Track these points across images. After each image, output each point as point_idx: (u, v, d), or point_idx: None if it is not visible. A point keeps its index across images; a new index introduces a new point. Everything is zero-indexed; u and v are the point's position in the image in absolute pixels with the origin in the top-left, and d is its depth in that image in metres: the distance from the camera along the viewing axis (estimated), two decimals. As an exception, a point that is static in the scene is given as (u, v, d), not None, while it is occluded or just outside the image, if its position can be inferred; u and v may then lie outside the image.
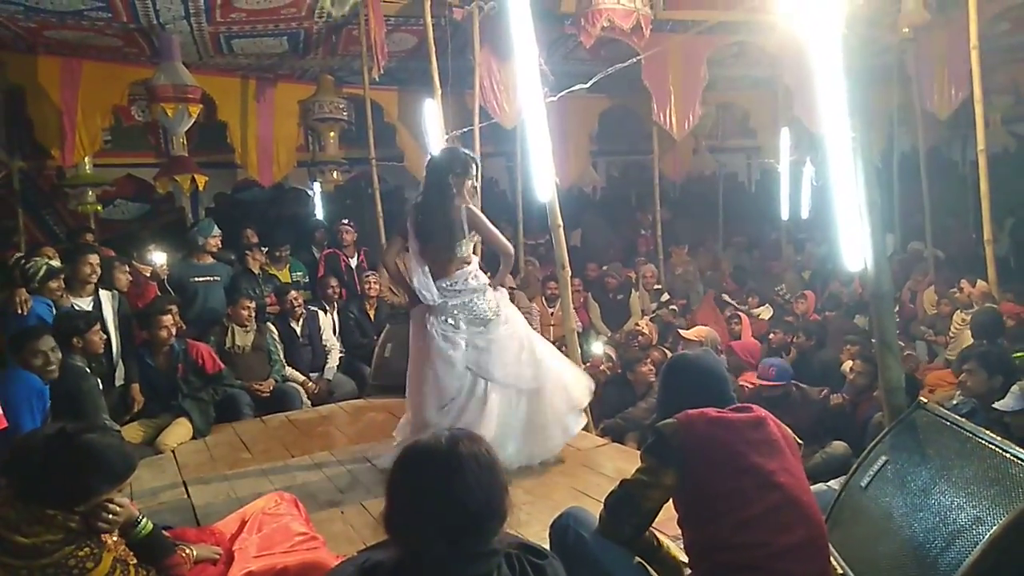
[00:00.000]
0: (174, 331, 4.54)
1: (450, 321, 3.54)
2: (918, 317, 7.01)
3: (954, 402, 3.61)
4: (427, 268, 3.57)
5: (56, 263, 4.54)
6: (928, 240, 7.66)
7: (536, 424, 3.62)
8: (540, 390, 3.61)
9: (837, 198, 2.76)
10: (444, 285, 3.56)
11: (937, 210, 7.87)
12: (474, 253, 3.82)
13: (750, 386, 4.88)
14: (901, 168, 8.63)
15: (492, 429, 3.40)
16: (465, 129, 6.88)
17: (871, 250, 2.63)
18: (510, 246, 3.78)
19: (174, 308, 4.68)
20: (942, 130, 8.96)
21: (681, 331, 5.75)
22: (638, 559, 2.05)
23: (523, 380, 3.59)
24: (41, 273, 4.36)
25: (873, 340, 2.95)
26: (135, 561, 2.02)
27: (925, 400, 2.53)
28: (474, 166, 3.64)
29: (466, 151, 3.75)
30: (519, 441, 3.59)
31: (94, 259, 4.63)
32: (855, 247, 2.72)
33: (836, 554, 2.28)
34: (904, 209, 8.72)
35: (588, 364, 5.40)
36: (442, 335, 3.52)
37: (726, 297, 7.75)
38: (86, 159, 6.84)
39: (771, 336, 5.95)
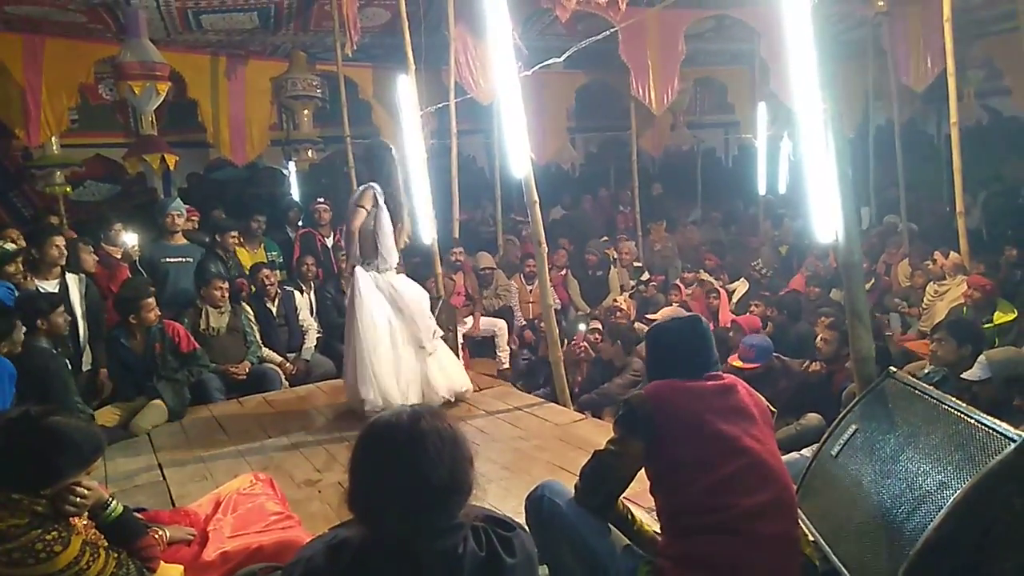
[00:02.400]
0: (159, 313, 4.47)
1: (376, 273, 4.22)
2: (892, 289, 7.10)
3: (925, 371, 3.65)
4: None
5: (12, 246, 4.44)
6: (903, 213, 7.74)
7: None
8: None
9: (810, 171, 2.76)
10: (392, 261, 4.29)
11: (912, 183, 7.95)
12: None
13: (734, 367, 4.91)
14: (876, 142, 8.70)
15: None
16: (440, 105, 6.82)
17: (842, 221, 2.64)
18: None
19: (154, 290, 4.61)
20: (917, 104, 9.04)
21: (649, 315, 5.74)
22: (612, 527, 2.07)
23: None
24: None
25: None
26: (106, 544, 2.00)
27: (894, 369, 2.56)
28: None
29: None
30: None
31: (60, 241, 4.54)
32: (828, 219, 2.73)
33: (807, 521, 2.32)
34: (879, 183, 8.80)
35: (572, 342, 5.41)
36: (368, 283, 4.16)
37: (703, 274, 7.79)
38: (53, 139, 6.68)
39: (750, 310, 5.99)
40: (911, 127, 9.50)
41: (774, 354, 4.61)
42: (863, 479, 2.28)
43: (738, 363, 4.46)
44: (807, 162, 2.79)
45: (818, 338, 4.45)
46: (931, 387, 2.39)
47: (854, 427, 2.48)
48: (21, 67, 6.23)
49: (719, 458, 1.89)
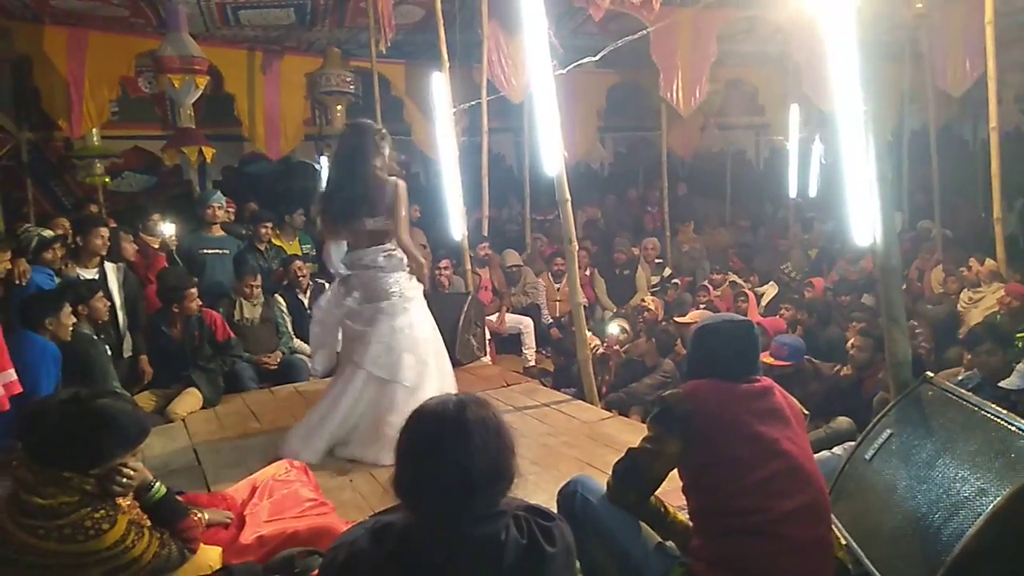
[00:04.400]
0: (200, 303, 4.57)
1: (345, 291, 3.56)
2: (925, 295, 7.00)
3: (960, 378, 3.62)
4: (342, 239, 3.57)
5: (49, 233, 4.55)
6: (937, 218, 7.62)
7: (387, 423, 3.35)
8: (415, 391, 3.37)
9: (847, 173, 2.75)
10: (355, 258, 3.52)
11: (946, 189, 7.82)
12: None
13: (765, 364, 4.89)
14: (911, 146, 8.56)
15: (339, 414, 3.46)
16: (472, 103, 6.85)
17: (881, 225, 2.62)
18: (407, 239, 3.53)
19: (196, 280, 4.71)
20: (954, 108, 8.88)
21: (676, 318, 5.71)
22: (643, 524, 2.08)
23: (395, 371, 3.43)
24: (34, 244, 4.39)
25: (880, 316, 2.96)
26: (149, 524, 2.05)
27: (931, 374, 2.54)
28: (388, 139, 3.54)
29: (377, 125, 3.62)
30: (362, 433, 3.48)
31: (105, 231, 4.65)
32: (864, 223, 2.71)
33: (839, 525, 2.31)
34: (913, 188, 8.66)
35: (604, 344, 5.40)
36: (334, 300, 3.59)
37: (731, 275, 7.74)
38: (93, 130, 6.83)
39: (780, 313, 5.95)
40: (946, 132, 9.34)
41: (806, 357, 4.58)
42: (898, 484, 2.27)
43: (769, 359, 4.44)
44: (844, 164, 2.77)
45: (850, 344, 4.41)
46: (968, 392, 2.37)
47: (889, 431, 2.47)
48: (65, 60, 6.38)
49: (757, 460, 1.89)
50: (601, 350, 5.39)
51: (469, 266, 5.92)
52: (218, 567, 2.20)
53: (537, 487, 2.98)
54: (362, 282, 3.53)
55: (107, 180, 7.22)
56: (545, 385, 5.30)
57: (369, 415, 3.47)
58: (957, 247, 7.17)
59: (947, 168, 7.86)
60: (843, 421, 4.21)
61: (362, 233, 3.47)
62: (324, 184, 3.59)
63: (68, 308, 3.76)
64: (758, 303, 6.91)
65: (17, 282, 4.03)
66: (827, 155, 9.05)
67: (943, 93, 7.92)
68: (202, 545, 2.20)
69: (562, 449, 3.56)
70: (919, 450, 2.30)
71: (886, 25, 6.95)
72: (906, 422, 2.44)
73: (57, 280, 4.31)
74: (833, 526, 2.09)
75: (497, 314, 6.66)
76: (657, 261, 8.01)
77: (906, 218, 8.59)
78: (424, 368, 3.51)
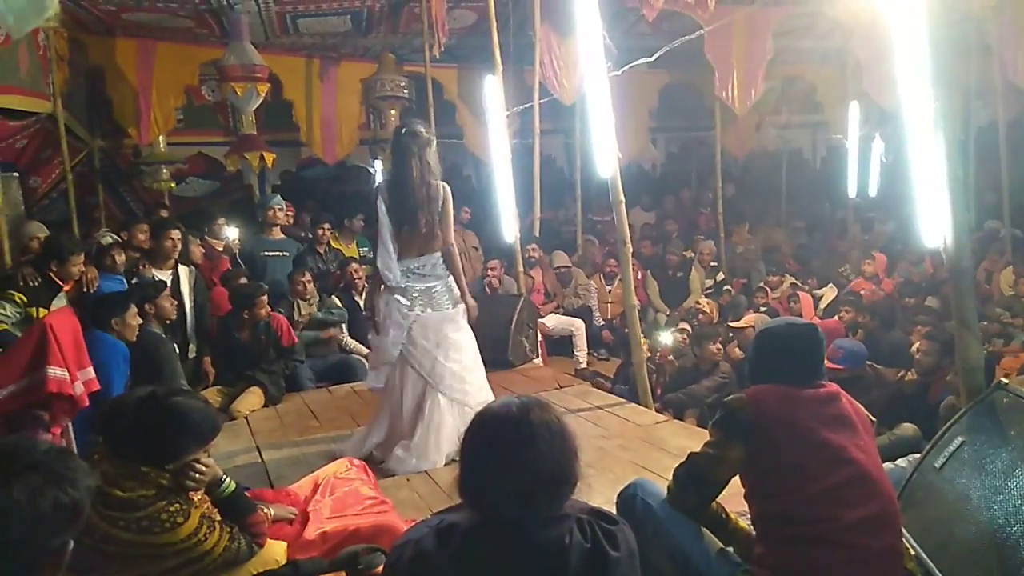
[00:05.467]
0: (269, 309, 4.72)
1: (406, 301, 3.46)
2: (993, 299, 6.72)
3: (1033, 385, 3.46)
4: (394, 248, 3.44)
5: (108, 240, 4.75)
6: (1006, 218, 7.32)
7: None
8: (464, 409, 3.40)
9: (914, 172, 2.66)
10: (412, 267, 3.48)
11: (1016, 187, 7.50)
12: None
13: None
14: (978, 144, 8.23)
15: (443, 447, 3.39)
16: (525, 106, 6.87)
17: (951, 225, 2.53)
18: (451, 239, 3.55)
19: (267, 288, 4.85)
20: (1024, 103, 8.50)
21: (731, 323, 5.61)
22: (705, 530, 2.06)
23: (466, 396, 3.46)
24: (94, 250, 4.58)
25: (948, 320, 2.86)
26: (219, 519, 2.12)
27: (1006, 380, 2.45)
28: (433, 142, 3.52)
29: (422, 127, 3.55)
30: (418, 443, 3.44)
31: (175, 234, 4.83)
32: (932, 223, 2.62)
33: (908, 535, 2.24)
34: (980, 186, 8.31)
35: (658, 354, 5.35)
36: (397, 311, 3.45)
37: (788, 277, 7.57)
38: (160, 138, 7.12)
39: (840, 316, 5.79)
40: (1016, 127, 8.95)
41: (868, 363, 4.44)
42: (971, 494, 2.19)
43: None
44: (909, 163, 2.68)
45: (915, 348, 4.27)
46: (1047, 401, 2.28)
47: (960, 439, 2.38)
48: (135, 70, 6.68)
49: (824, 467, 1.85)
50: (657, 359, 5.33)
51: (521, 268, 5.94)
52: (284, 562, 2.26)
53: (592, 490, 2.93)
54: (421, 291, 3.50)
55: (172, 185, 7.51)
56: (599, 388, 5.27)
57: (434, 429, 3.47)
58: (1028, 248, 6.89)
59: (1016, 165, 7.54)
60: (908, 428, 4.08)
61: (417, 238, 3.47)
62: (381, 187, 3.56)
63: (134, 309, 3.91)
64: (816, 306, 6.74)
65: (85, 289, 4.21)
66: (888, 153, 8.76)
67: (1012, 87, 7.60)
68: (269, 540, 2.26)
69: (617, 452, 3.54)
70: (994, 459, 2.21)
71: (954, 17, 6.71)
72: (979, 430, 2.35)
73: (131, 283, 4.49)
74: (902, 533, 2.03)
75: (552, 315, 6.68)
76: (712, 264, 7.89)
77: (973, 218, 8.26)
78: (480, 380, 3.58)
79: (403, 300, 3.48)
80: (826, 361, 4.31)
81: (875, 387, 4.34)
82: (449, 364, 3.48)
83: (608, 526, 1.46)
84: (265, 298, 4.66)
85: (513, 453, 1.40)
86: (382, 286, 3.52)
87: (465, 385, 3.51)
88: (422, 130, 3.50)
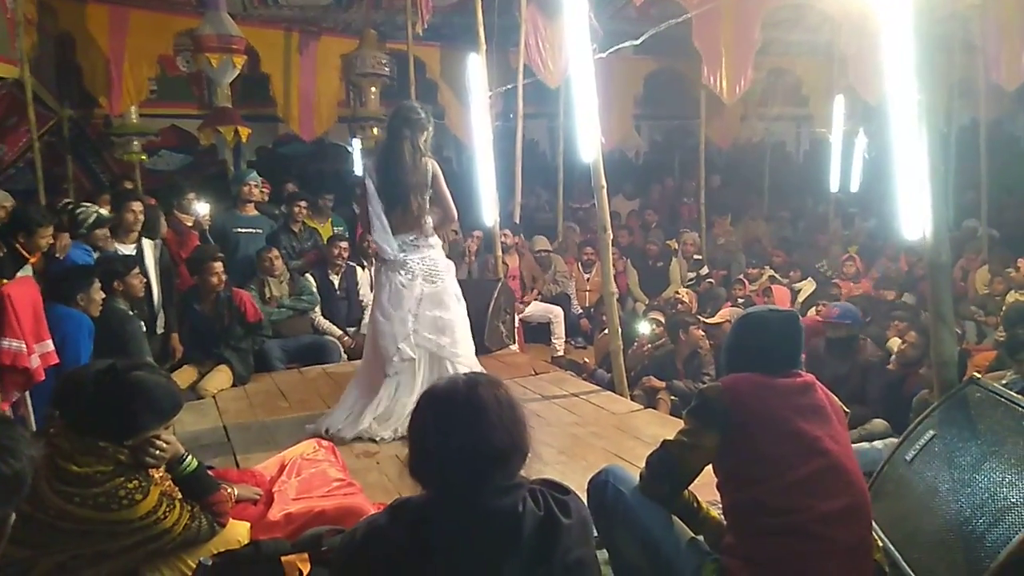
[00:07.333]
0: (224, 279, 4.61)
1: (405, 274, 3.58)
2: (968, 296, 6.80)
3: (1005, 380, 3.49)
4: (388, 222, 3.55)
5: (105, 212, 4.62)
6: (983, 217, 7.39)
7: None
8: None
9: (897, 167, 2.65)
10: (407, 240, 3.59)
11: (995, 186, 7.58)
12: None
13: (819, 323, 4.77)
14: (959, 142, 8.30)
15: None
16: (508, 87, 6.80)
17: (931, 219, 2.53)
18: (455, 211, 3.75)
19: (223, 256, 4.74)
20: (1006, 103, 8.59)
21: (703, 318, 5.57)
22: (675, 518, 2.04)
23: (469, 360, 3.67)
24: (91, 221, 4.46)
25: (926, 313, 2.86)
26: (180, 497, 2.06)
27: (978, 375, 2.45)
28: (430, 120, 3.63)
29: (420, 105, 3.68)
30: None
31: (137, 207, 4.71)
32: (914, 217, 2.62)
33: (877, 527, 2.24)
34: (960, 185, 8.40)
35: (635, 344, 5.32)
36: (399, 284, 3.56)
37: (768, 270, 7.59)
38: (132, 109, 6.93)
39: (817, 310, 5.80)
40: (996, 127, 9.04)
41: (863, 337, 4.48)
42: (940, 487, 2.20)
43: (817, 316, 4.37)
44: (893, 158, 2.67)
45: (901, 340, 4.31)
46: (1018, 395, 2.28)
47: (931, 433, 2.39)
48: (107, 37, 6.48)
49: (798, 458, 1.83)
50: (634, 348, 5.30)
51: (500, 252, 5.88)
52: (246, 542, 2.21)
53: (564, 476, 2.90)
54: (418, 262, 3.60)
55: (143, 158, 7.34)
56: (577, 376, 5.25)
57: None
58: (1004, 247, 6.96)
59: (996, 165, 7.61)
60: (878, 423, 4.12)
61: (409, 217, 3.55)
62: (369, 166, 3.61)
63: (98, 284, 3.80)
64: (794, 300, 6.76)
65: (57, 256, 4.09)
66: (871, 149, 8.82)
67: (995, 87, 7.66)
68: (231, 520, 2.21)
69: (590, 440, 3.52)
70: (964, 453, 2.22)
71: (940, 15, 6.72)
72: (951, 424, 2.36)
73: (96, 256, 4.38)
74: (872, 525, 2.03)
75: (532, 302, 6.65)
76: (696, 257, 7.87)
77: (951, 216, 8.35)
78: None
79: (403, 276, 3.58)
80: (828, 318, 4.36)
81: (859, 354, 4.45)
82: (449, 336, 3.62)
83: (560, 495, 1.47)
84: (218, 264, 4.53)
85: (464, 426, 1.40)
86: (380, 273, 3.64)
87: (467, 358, 3.68)
88: (416, 116, 3.55)
